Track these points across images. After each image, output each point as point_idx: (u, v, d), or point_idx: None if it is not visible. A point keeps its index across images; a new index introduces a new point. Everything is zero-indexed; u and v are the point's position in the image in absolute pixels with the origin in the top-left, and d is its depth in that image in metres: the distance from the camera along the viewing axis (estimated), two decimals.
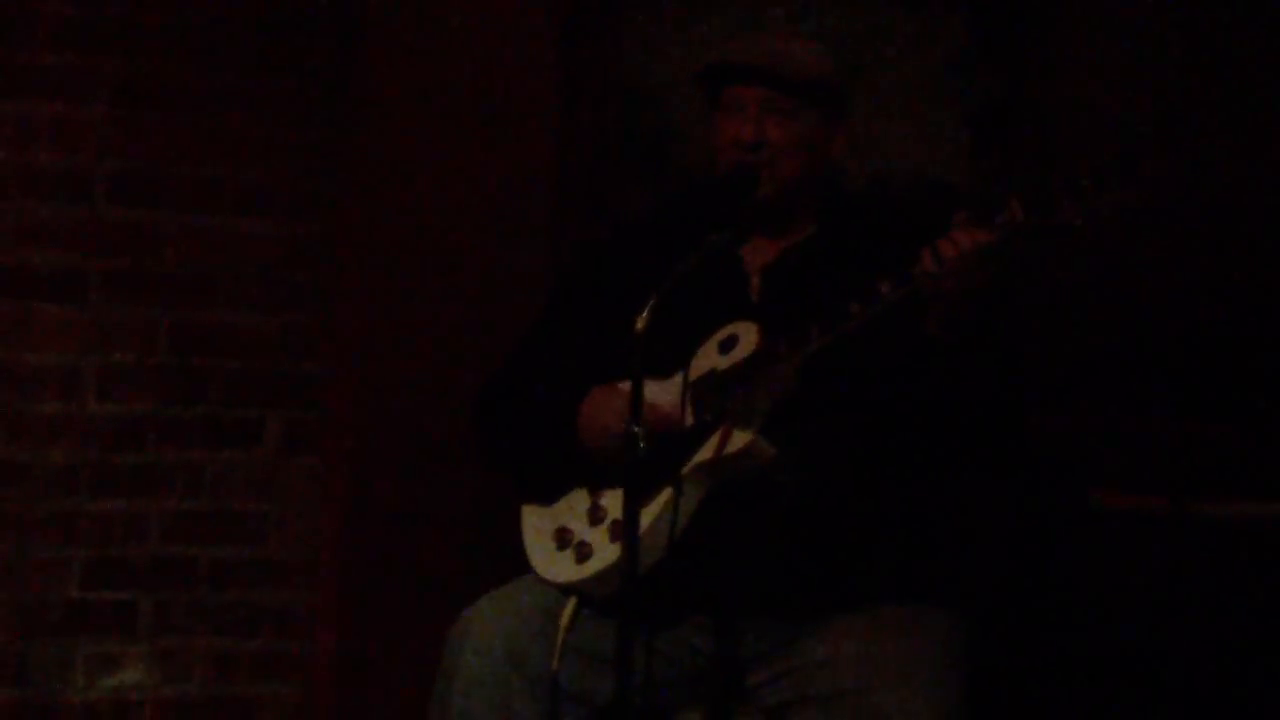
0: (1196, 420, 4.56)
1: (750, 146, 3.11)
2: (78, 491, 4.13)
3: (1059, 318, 4.49)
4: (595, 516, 3.14)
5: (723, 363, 3.07)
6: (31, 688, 4.12)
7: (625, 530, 2.81)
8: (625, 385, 2.91)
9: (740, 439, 3.00)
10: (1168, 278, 4.85)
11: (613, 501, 3.09)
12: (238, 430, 4.24)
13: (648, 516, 2.96)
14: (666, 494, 3.01)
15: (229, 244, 4.27)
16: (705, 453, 3.00)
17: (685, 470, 3.01)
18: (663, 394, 3.09)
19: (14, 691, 4.10)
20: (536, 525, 3.26)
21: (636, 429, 2.78)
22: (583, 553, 3.13)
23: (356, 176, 4.35)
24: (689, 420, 3.07)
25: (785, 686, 3.07)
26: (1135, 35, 5.06)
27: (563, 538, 3.19)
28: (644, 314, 2.75)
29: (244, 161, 4.26)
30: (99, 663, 4.14)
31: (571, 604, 3.08)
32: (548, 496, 3.27)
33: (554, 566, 3.16)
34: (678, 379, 3.06)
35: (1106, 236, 3.62)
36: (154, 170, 4.17)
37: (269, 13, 4.29)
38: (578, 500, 3.21)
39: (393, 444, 4.35)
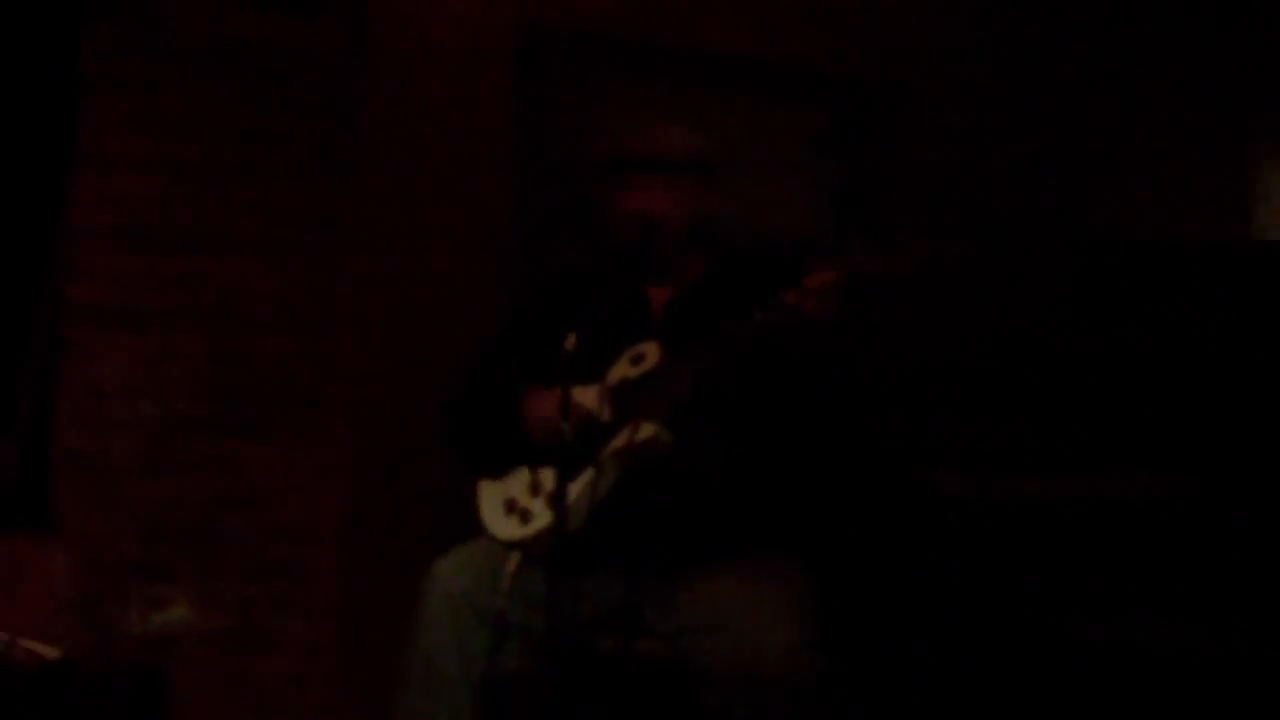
0: (999, 417, 4.72)
1: (648, 215, 3.66)
2: (137, 474, 4.52)
3: (899, 341, 4.93)
4: (535, 489, 3.57)
5: (633, 373, 3.54)
6: (99, 624, 4.47)
7: (557, 500, 3.28)
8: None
9: (646, 430, 3.43)
10: (975, 310, 5.26)
11: (548, 478, 3.54)
12: (262, 427, 4.63)
13: (575, 490, 3.44)
14: (589, 473, 3.47)
15: (256, 285, 4.66)
16: (619, 441, 3.44)
17: (604, 455, 3.46)
18: (587, 396, 3.53)
19: (86, 627, 4.43)
20: (489, 496, 3.70)
21: (565, 424, 3.20)
22: (525, 517, 3.56)
23: (356, 234, 4.75)
24: (607, 416, 3.51)
25: (677, 620, 3.49)
26: (961, 128, 5.61)
27: (510, 506, 3.62)
28: (572, 336, 3.20)
29: (269, 221, 4.65)
30: (152, 603, 4.51)
31: (516, 557, 3.53)
32: (498, 473, 3.70)
33: (503, 528, 3.61)
34: (599, 386, 3.55)
35: (938, 282, 4.64)
36: (199, 229, 4.59)
37: (287, 111, 4.67)
38: (521, 476, 3.64)
39: (380, 437, 4.74)
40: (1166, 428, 4.59)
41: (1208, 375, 4.67)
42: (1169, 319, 4.84)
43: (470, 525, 3.73)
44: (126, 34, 4.53)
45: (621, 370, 3.57)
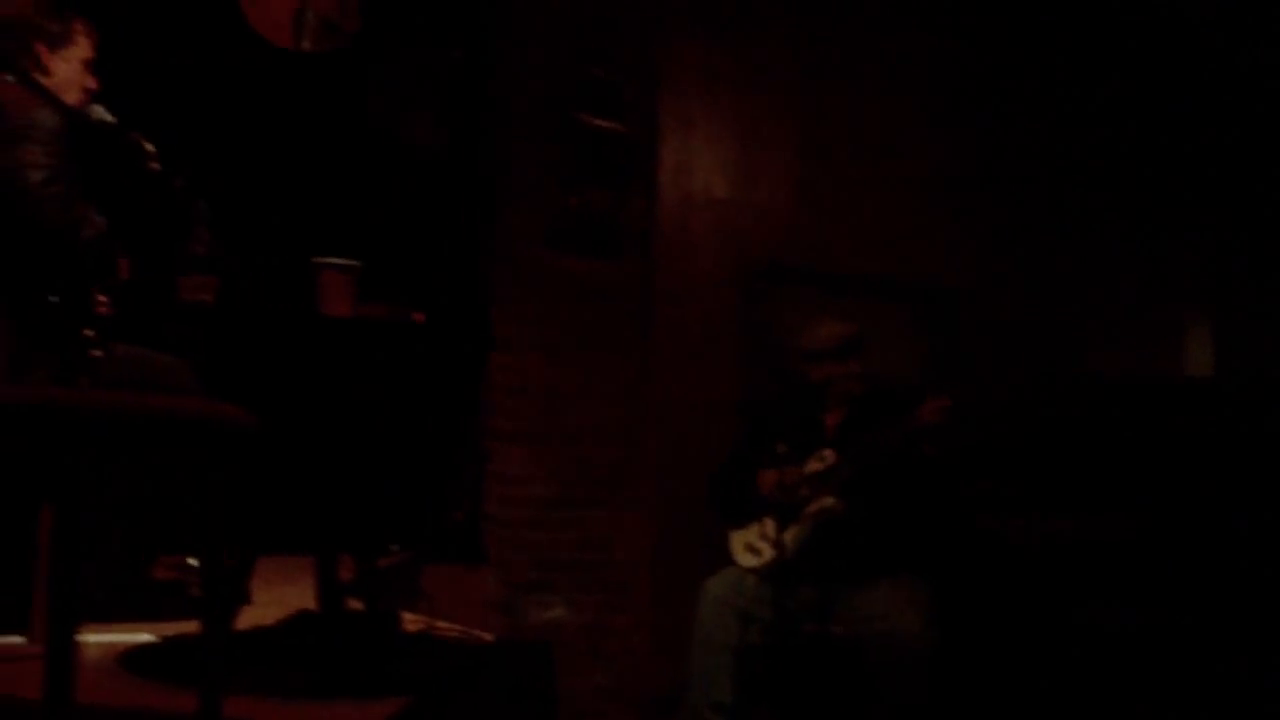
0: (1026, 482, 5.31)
1: (827, 379, 4.40)
2: (530, 528, 5.03)
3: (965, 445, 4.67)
4: (763, 535, 4.25)
5: (819, 467, 4.27)
6: (513, 619, 4.89)
7: (777, 543, 4.08)
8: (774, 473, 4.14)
9: (829, 500, 4.19)
10: (1008, 420, 5.36)
11: (771, 528, 4.18)
12: (602, 500, 5.20)
13: (788, 536, 4.14)
14: (795, 527, 4.17)
15: (596, 417, 5.17)
16: (813, 507, 4.20)
17: (804, 514, 4.20)
18: (793, 479, 4.22)
19: (506, 621, 4.86)
20: (736, 540, 4.36)
21: (781, 495, 4.10)
22: (758, 553, 4.26)
23: (652, 384, 5.37)
24: (805, 492, 4.22)
25: (851, 613, 4.12)
26: (995, 311, 6.17)
27: (748, 546, 4.32)
28: (782, 444, 4.13)
29: (602, 381, 5.21)
30: (542, 606, 5.02)
31: (754, 576, 4.22)
32: (740, 525, 4.37)
33: (745, 559, 4.30)
34: (800, 474, 4.24)
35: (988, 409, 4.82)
36: (559, 388, 5.10)
37: (605, 314, 5.27)
38: (754, 529, 4.30)
39: (672, 506, 5.32)
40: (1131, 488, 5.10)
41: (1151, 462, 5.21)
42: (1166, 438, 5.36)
43: (725, 558, 4.41)
44: (518, 278, 5.11)
45: (813, 465, 4.30)
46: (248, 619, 3.54)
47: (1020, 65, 6.48)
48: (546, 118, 5.12)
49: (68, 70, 3.26)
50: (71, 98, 3.26)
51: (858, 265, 5.90)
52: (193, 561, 3.96)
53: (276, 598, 4.06)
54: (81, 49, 3.30)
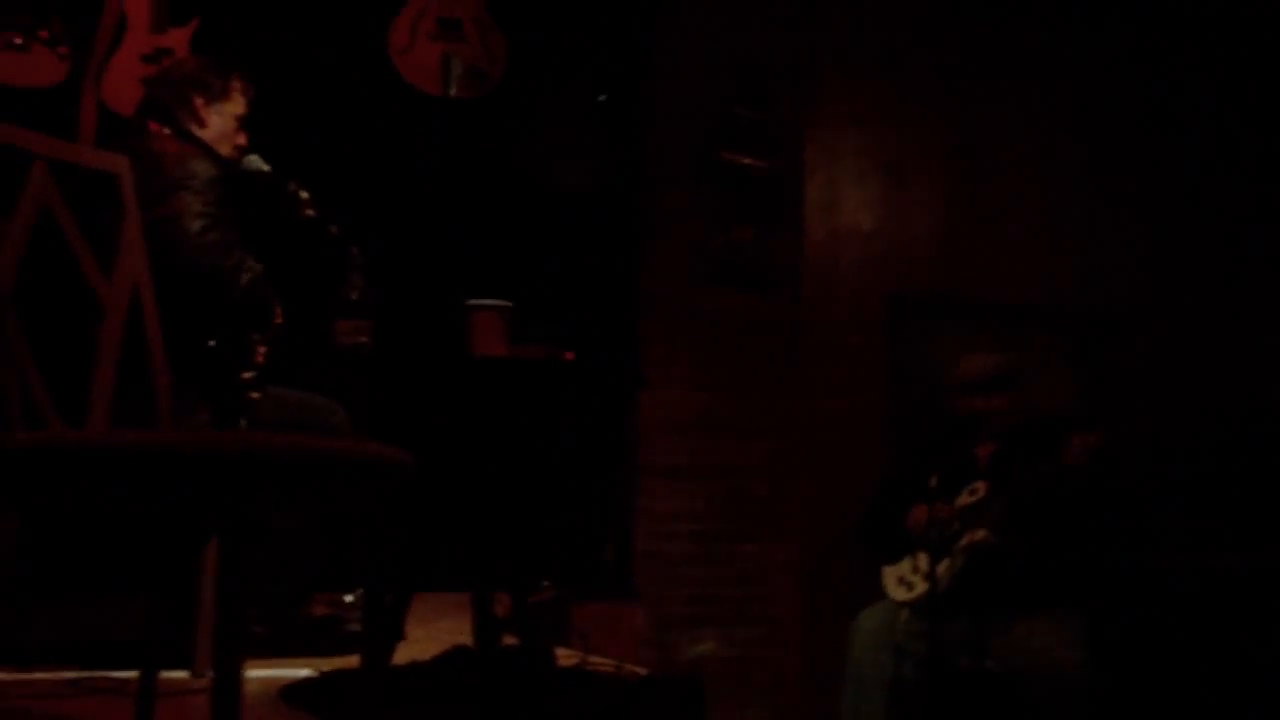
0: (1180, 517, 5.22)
1: (977, 412, 4.47)
2: (681, 564, 5.22)
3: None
4: (915, 569, 4.31)
5: (971, 500, 4.33)
6: (664, 654, 5.05)
7: (930, 576, 4.11)
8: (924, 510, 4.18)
9: (981, 533, 4.24)
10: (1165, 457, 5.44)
11: (923, 562, 4.22)
12: (750, 536, 5.37)
13: (940, 569, 4.16)
14: (948, 560, 4.22)
15: (741, 452, 5.39)
16: (964, 540, 4.24)
17: (956, 548, 4.24)
18: (945, 513, 4.25)
19: (657, 656, 5.00)
20: (888, 574, 4.43)
21: (932, 530, 4.10)
22: (910, 587, 4.31)
23: (796, 419, 5.49)
24: (957, 525, 4.24)
25: (1007, 647, 4.12)
26: (1159, 340, 6.06)
27: (900, 579, 4.38)
28: (934, 477, 4.13)
29: (737, 414, 5.39)
30: (693, 640, 5.16)
31: (906, 610, 4.29)
32: (892, 560, 4.45)
33: (897, 593, 4.37)
34: (951, 507, 4.30)
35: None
36: (711, 421, 5.31)
37: (755, 347, 5.41)
38: (906, 563, 4.36)
39: (820, 541, 5.40)
40: None
41: None
42: None
43: (877, 592, 4.48)
44: (667, 316, 5.34)
45: (964, 498, 4.34)
46: (404, 654, 3.52)
47: (1179, 81, 6.44)
48: (693, 157, 5.34)
49: (222, 124, 3.40)
50: (223, 150, 3.41)
51: (1010, 295, 5.93)
52: (348, 599, 4.09)
53: (429, 634, 4.09)
54: (236, 105, 3.44)
